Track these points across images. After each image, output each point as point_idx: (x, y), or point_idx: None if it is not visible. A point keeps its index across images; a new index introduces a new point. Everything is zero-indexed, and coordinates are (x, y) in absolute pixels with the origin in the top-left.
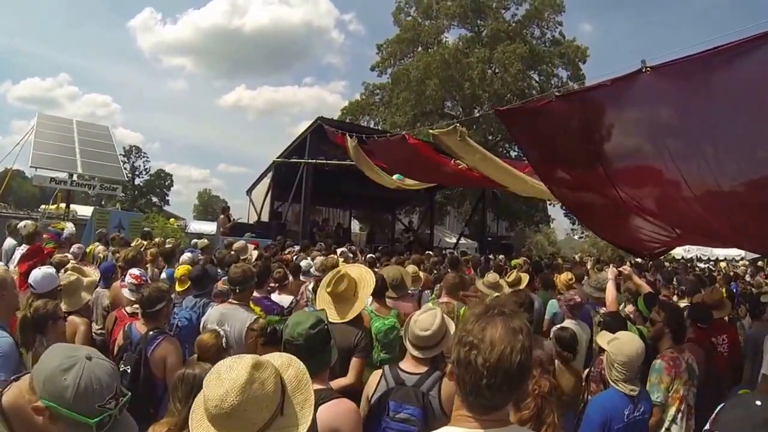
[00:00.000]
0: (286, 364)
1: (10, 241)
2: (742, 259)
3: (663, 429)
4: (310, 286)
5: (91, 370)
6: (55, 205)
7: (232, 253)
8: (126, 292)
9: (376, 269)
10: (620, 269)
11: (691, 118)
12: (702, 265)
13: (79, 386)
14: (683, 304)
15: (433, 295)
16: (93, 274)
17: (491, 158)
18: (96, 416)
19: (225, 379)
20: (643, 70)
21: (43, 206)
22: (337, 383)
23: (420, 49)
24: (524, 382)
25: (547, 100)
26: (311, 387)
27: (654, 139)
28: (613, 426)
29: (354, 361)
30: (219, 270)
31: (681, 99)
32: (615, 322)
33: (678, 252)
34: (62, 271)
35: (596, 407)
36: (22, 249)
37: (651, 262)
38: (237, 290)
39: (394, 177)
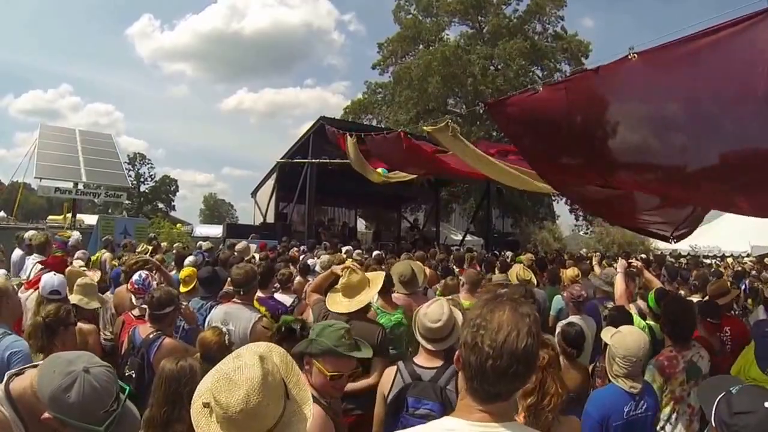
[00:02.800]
0: (268, 351)
1: (18, 252)
2: (748, 255)
3: (658, 428)
4: None
5: (90, 383)
6: (62, 216)
7: (235, 254)
8: (132, 297)
9: (383, 267)
10: (630, 262)
11: (677, 97)
12: (709, 261)
13: (84, 401)
14: (696, 299)
15: (438, 292)
16: (94, 278)
17: (483, 156)
18: (103, 422)
19: (239, 380)
20: (630, 57)
21: (50, 216)
22: (361, 383)
23: (421, 46)
24: (529, 370)
25: (533, 92)
26: (297, 367)
27: (645, 121)
28: (612, 422)
29: (376, 360)
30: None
31: (666, 81)
32: (620, 316)
33: (684, 248)
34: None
35: (595, 403)
36: (33, 259)
37: (653, 259)
38: (241, 291)
39: (379, 170)
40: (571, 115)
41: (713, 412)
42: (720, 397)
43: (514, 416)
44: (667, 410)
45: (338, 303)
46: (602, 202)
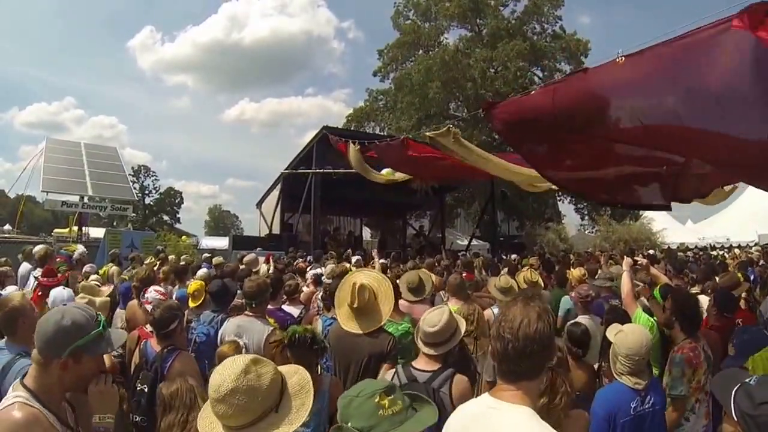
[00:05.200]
0: (293, 372)
1: (25, 266)
2: (756, 244)
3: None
4: (320, 295)
5: (73, 308)
6: (68, 228)
7: (243, 266)
8: (150, 309)
9: (387, 275)
10: (636, 259)
11: (660, 94)
12: (715, 253)
13: (77, 319)
14: (695, 291)
15: (446, 298)
16: (106, 292)
17: (488, 156)
18: (99, 327)
19: (226, 368)
20: (617, 60)
21: (56, 230)
22: None
23: (421, 51)
24: (545, 349)
25: (527, 93)
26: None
27: (629, 114)
28: (619, 420)
29: (386, 367)
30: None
31: (650, 79)
32: (616, 316)
33: (692, 241)
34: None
35: (601, 401)
36: (37, 272)
37: (663, 255)
38: (253, 304)
39: (384, 171)
40: (557, 109)
41: (732, 404)
42: (736, 389)
43: (537, 403)
44: (692, 400)
45: (352, 322)
46: (600, 183)
